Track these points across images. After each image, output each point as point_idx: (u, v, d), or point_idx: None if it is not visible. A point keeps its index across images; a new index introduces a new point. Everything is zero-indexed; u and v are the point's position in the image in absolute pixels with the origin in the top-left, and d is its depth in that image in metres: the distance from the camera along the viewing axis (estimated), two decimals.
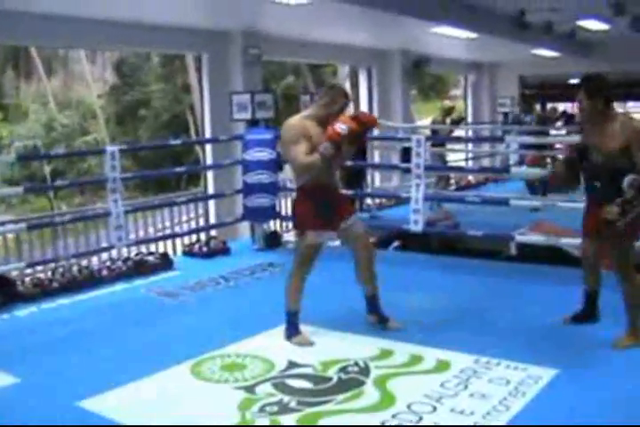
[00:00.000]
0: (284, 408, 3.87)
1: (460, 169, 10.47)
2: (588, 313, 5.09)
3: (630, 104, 19.36)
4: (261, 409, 3.87)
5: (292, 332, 4.93)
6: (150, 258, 7.21)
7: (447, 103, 12.59)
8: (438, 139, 10.53)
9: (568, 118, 10.70)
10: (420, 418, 3.72)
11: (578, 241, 6.76)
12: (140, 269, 6.94)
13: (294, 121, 4.85)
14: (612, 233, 4.55)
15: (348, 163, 9.58)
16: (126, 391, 4.15)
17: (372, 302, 5.12)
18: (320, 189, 4.84)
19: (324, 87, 5.20)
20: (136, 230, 9.32)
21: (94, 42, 9.36)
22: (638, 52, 14.95)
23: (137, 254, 7.34)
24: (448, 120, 11.27)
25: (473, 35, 11.88)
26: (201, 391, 4.15)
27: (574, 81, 19.21)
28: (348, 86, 21.22)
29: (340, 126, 4.52)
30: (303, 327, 4.95)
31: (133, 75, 25.35)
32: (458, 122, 12.06)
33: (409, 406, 3.84)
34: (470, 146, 15.08)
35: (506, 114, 15.06)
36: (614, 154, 4.58)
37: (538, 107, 18.75)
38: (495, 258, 7.41)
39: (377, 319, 5.13)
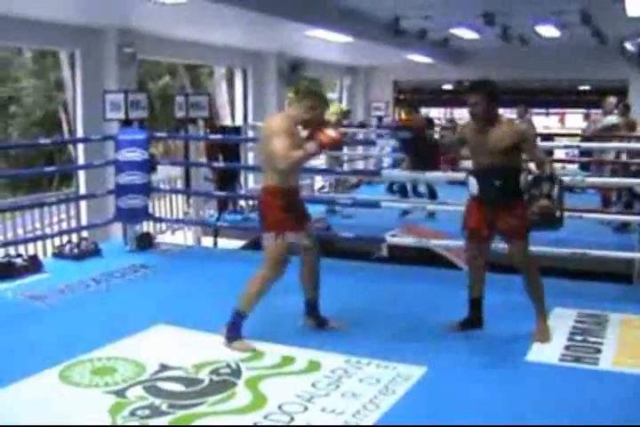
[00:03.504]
0: (156, 412, 3.84)
1: (331, 171, 10.57)
2: (475, 319, 5.16)
3: (500, 111, 19.97)
4: (132, 413, 3.82)
5: (236, 335, 4.80)
6: (18, 260, 6.97)
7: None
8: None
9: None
10: (292, 418, 3.76)
11: (448, 242, 7.03)
12: (7, 271, 6.69)
13: (280, 117, 4.86)
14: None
15: (221, 164, 9.62)
16: None
17: (313, 306, 5.15)
18: (293, 191, 4.90)
19: (301, 91, 5.06)
20: (4, 232, 9.01)
21: None
22: (507, 62, 15.53)
23: (4, 257, 7.09)
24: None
25: (348, 39, 12.05)
26: (70, 397, 4.05)
27: (447, 87, 19.78)
28: (224, 87, 21.16)
29: (332, 133, 4.66)
30: (175, 329, 4.90)
31: (3, 70, 24.52)
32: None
33: (280, 407, 3.88)
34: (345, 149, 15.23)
35: (380, 118, 15.35)
36: (501, 153, 4.77)
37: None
38: (367, 260, 7.54)
39: (316, 322, 5.17)
